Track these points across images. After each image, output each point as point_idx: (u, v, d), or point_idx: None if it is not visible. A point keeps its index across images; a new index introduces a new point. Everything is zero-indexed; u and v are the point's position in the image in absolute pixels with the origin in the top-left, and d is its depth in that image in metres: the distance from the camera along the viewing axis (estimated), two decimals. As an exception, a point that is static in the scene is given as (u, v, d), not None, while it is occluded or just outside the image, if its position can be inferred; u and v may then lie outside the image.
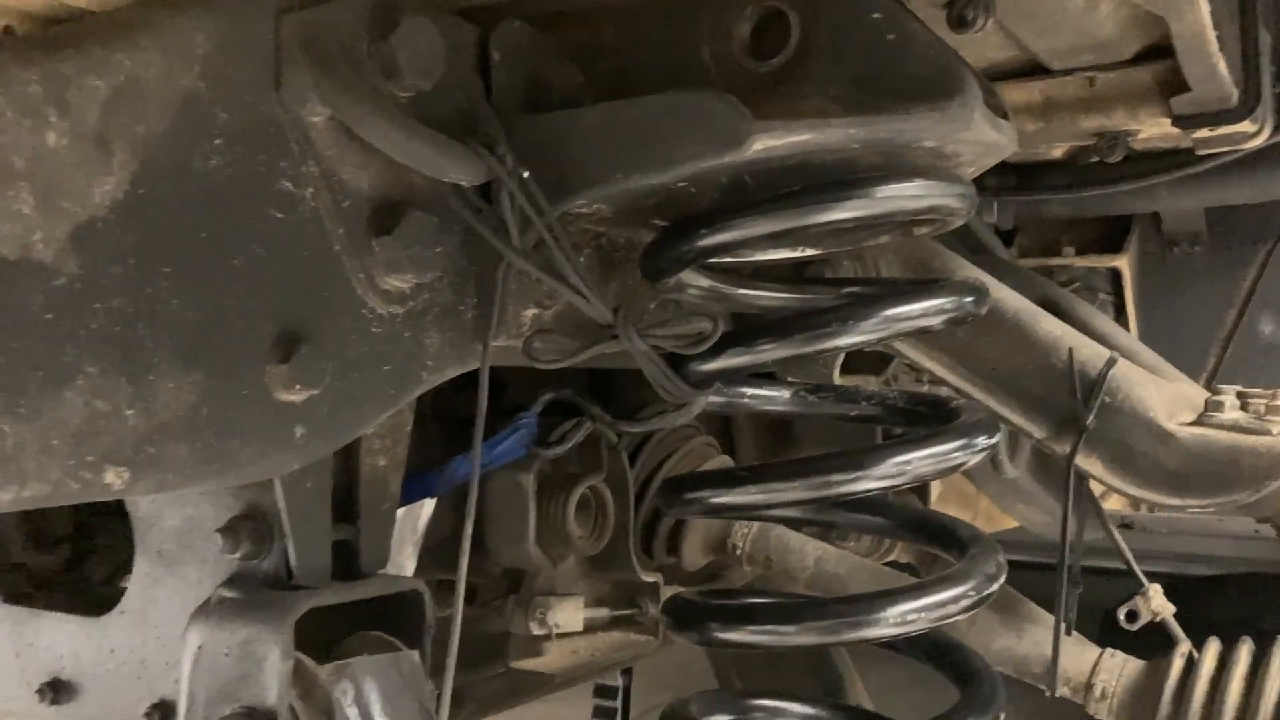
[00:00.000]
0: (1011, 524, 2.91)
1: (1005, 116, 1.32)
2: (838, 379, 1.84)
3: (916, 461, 1.23)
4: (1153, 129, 2.12)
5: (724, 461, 1.86)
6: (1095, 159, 2.45)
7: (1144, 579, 1.75)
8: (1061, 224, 2.93)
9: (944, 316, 1.28)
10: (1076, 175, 2.63)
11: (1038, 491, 2.45)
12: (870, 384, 2.02)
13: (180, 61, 1.05)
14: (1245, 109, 1.95)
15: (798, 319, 1.29)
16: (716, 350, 1.27)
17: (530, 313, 1.35)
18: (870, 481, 1.23)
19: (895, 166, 1.26)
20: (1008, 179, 2.69)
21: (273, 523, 1.30)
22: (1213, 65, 1.77)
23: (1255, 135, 2.11)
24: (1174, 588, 1.89)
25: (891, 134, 1.20)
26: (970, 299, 1.29)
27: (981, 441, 1.27)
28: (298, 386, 1.08)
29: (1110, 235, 2.96)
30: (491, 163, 1.16)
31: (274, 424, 1.10)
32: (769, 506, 1.26)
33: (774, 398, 1.51)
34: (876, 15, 1.26)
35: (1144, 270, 2.92)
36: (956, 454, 1.24)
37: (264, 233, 1.10)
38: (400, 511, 1.51)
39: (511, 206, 1.18)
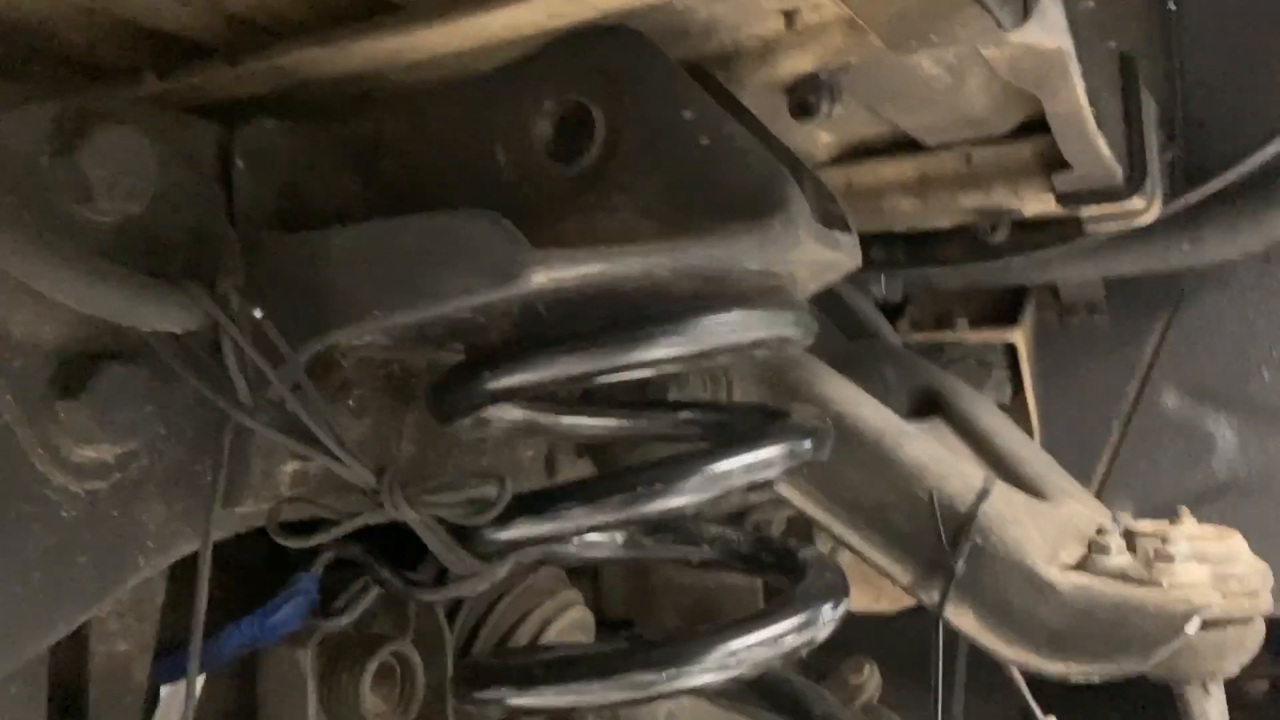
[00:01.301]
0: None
1: (846, 227, 1.14)
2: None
3: (742, 653, 1.02)
4: (1038, 205, 1.96)
5: (571, 600, 1.64)
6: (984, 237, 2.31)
7: (1039, 713, 1.57)
8: (954, 295, 2.77)
9: (777, 469, 1.08)
10: (966, 246, 2.46)
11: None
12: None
13: None
14: (1131, 186, 1.81)
15: (602, 484, 1.09)
16: (507, 517, 1.06)
17: (289, 469, 1.12)
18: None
19: (717, 293, 1.07)
20: (896, 251, 2.53)
21: (-32, 738, 1.06)
22: (1091, 143, 1.61)
23: (1144, 212, 1.97)
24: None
25: (703, 261, 1.00)
26: (807, 445, 1.09)
27: (825, 614, 1.07)
28: (-64, 608, 0.85)
29: (1006, 306, 2.81)
30: (209, 306, 0.94)
31: (-94, 656, 0.86)
32: (583, 704, 1.04)
33: (602, 545, 1.30)
34: (688, 115, 1.06)
35: (1042, 341, 2.78)
36: (792, 636, 1.04)
37: (-103, 408, 0.86)
38: (164, 691, 1.27)
39: (237, 356, 0.96)
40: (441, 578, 1.28)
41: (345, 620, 1.23)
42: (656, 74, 1.08)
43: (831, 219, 1.11)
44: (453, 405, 1.08)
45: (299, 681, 1.23)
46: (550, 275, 0.96)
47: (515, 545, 1.09)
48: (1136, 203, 1.91)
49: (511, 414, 1.24)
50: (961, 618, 1.31)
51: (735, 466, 1.07)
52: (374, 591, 1.26)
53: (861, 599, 2.46)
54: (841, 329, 2.42)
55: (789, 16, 1.19)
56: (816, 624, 1.06)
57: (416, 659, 1.37)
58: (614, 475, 1.11)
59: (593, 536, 1.29)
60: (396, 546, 1.35)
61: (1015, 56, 1.45)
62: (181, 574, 1.23)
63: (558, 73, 1.13)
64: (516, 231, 0.95)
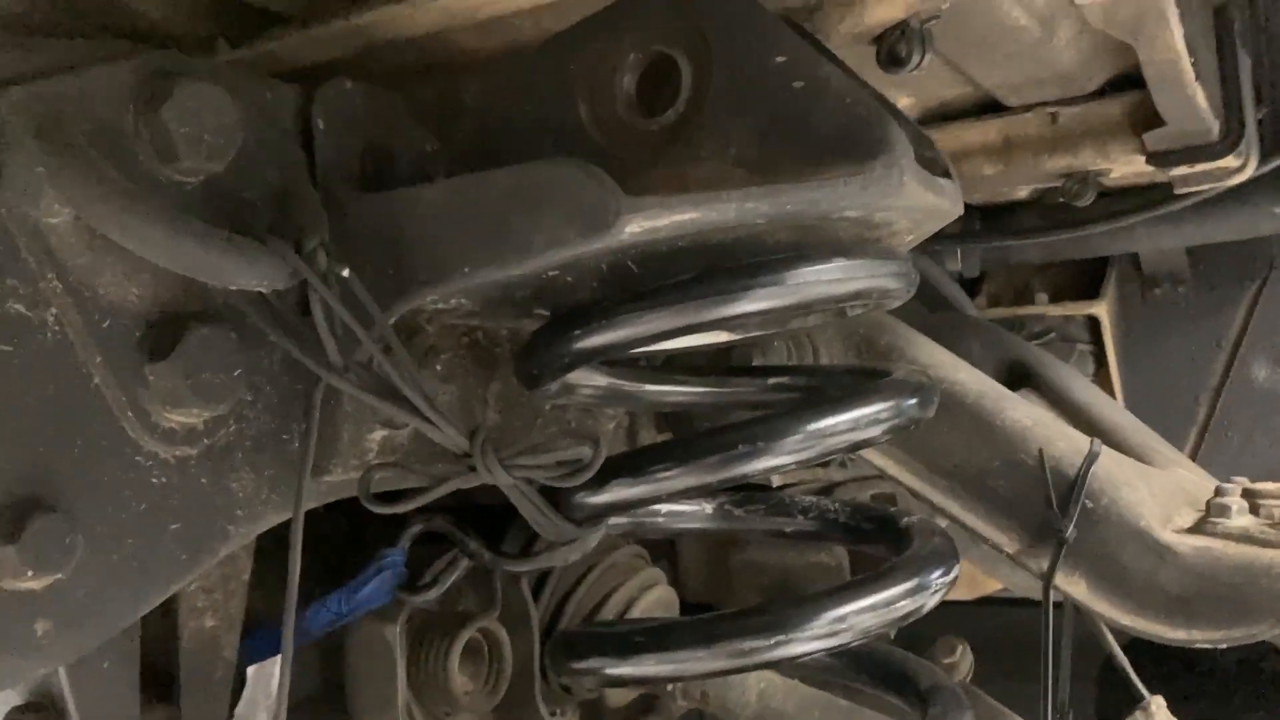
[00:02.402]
0: (995, 586, 2.66)
1: (946, 174, 1.08)
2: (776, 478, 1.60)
3: (851, 618, 0.97)
4: (1126, 167, 1.89)
5: (654, 578, 1.60)
6: (1063, 201, 2.23)
7: (1144, 691, 1.50)
8: (1033, 269, 2.70)
9: (881, 427, 1.03)
10: (1046, 216, 2.40)
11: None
12: (816, 472, 1.77)
13: None
14: (1227, 143, 1.73)
15: (699, 442, 1.04)
16: (602, 479, 1.02)
17: (377, 436, 1.09)
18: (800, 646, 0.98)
19: (813, 243, 1.02)
20: (972, 223, 2.46)
21: (63, 715, 1.04)
22: (1189, 96, 1.54)
23: (1239, 170, 1.89)
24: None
25: (801, 206, 0.96)
26: (913, 401, 1.04)
27: (935, 580, 1.02)
28: (30, 572, 0.82)
29: (1086, 278, 2.73)
30: (297, 263, 0.91)
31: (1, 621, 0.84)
32: (684, 675, 1.01)
33: (692, 514, 1.26)
34: (780, 59, 1.02)
35: (1124, 315, 2.69)
36: (903, 602, 0.99)
37: (-16, 371, 0.85)
38: (251, 671, 1.25)
39: (326, 315, 0.93)
40: (529, 550, 1.25)
41: (433, 594, 1.21)
42: (742, 18, 1.04)
43: (932, 164, 1.06)
44: (541, 367, 1.05)
45: (387, 658, 1.21)
46: (643, 223, 0.92)
47: (610, 509, 1.05)
48: (1231, 161, 1.83)
49: (597, 380, 1.21)
50: (1073, 585, 1.25)
51: (839, 423, 1.02)
52: (462, 565, 1.23)
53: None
54: (922, 306, 2.36)
55: (878, -41, 1.15)
56: (928, 589, 1.01)
57: (504, 636, 1.34)
58: (711, 434, 1.06)
59: (682, 506, 1.25)
60: (483, 521, 1.32)
61: (1110, 2, 1.39)
62: (265, 549, 1.22)
63: (639, 23, 1.09)
64: (608, 178, 0.92)
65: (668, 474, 1.02)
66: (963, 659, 1.76)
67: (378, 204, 1.02)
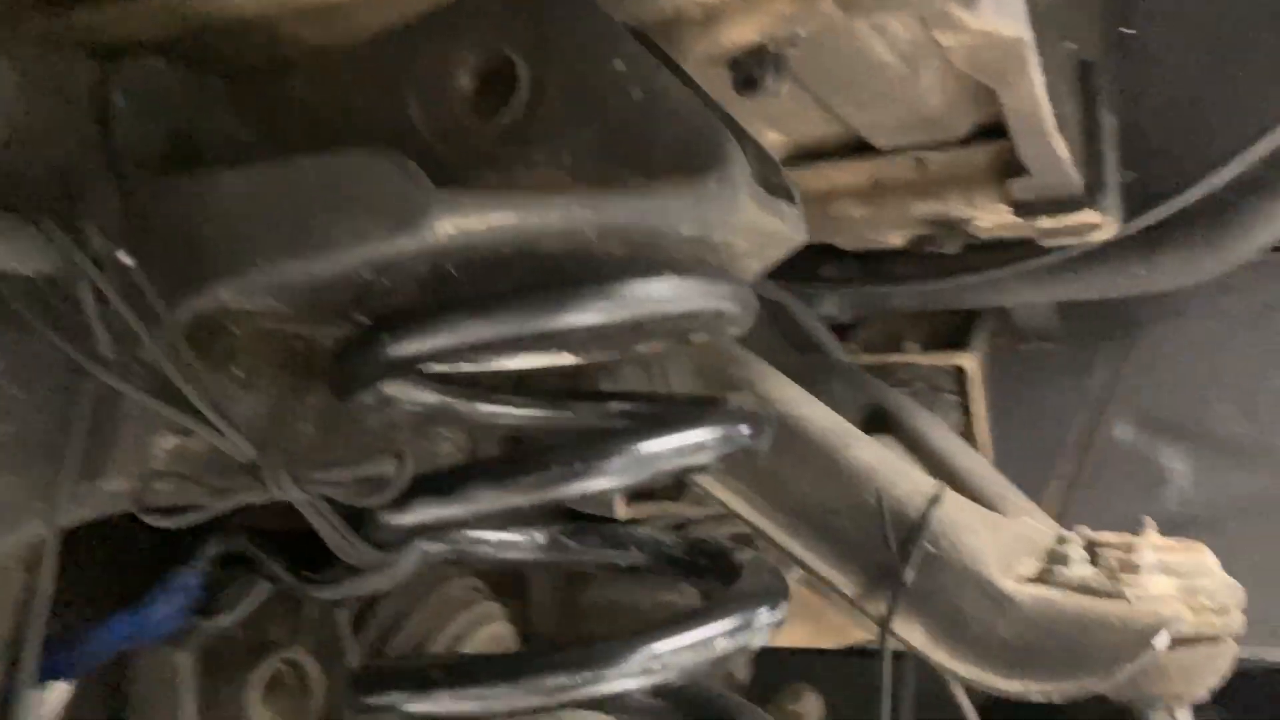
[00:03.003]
0: (862, 637, 2.64)
1: (790, 198, 1.05)
2: (622, 510, 1.54)
3: (667, 656, 0.91)
4: (993, 217, 1.89)
5: (490, 613, 1.52)
6: (938, 249, 2.24)
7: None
8: (906, 318, 2.70)
9: (710, 454, 0.98)
10: (919, 265, 2.40)
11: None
12: (667, 508, 1.72)
13: None
14: (1088, 196, 1.74)
15: (516, 462, 0.98)
16: (407, 499, 0.94)
17: (168, 444, 1.00)
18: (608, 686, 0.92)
19: (647, 260, 0.97)
20: (849, 268, 2.46)
21: None
22: (1050, 145, 1.54)
23: (1101, 228, 1.90)
24: None
25: (630, 218, 0.91)
26: (744, 429, 0.99)
27: (760, 617, 0.96)
28: None
29: (958, 330, 2.74)
30: (60, 241, 0.83)
31: None
32: (487, 714, 0.93)
33: (521, 545, 1.19)
34: (619, 65, 0.97)
35: (994, 368, 2.71)
36: (724, 640, 0.93)
37: None
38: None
39: (98, 302, 0.85)
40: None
41: (226, 620, 1.11)
42: (585, 23, 0.99)
43: (774, 187, 1.02)
44: (351, 376, 0.98)
45: (173, 688, 1.11)
46: (458, 223, 0.86)
47: (417, 531, 0.98)
48: (1093, 216, 1.84)
49: (422, 396, 1.13)
50: (910, 632, 1.21)
51: (665, 449, 0.97)
52: (260, 588, 1.14)
53: (800, 632, 2.35)
54: (789, 347, 2.34)
55: (734, -22, 1.11)
56: (751, 627, 0.96)
57: (314, 668, 1.25)
58: (530, 454, 1.00)
59: (512, 535, 1.18)
60: (303, 549, 1.23)
61: (973, 45, 1.37)
62: (69, 562, 1.12)
63: (480, 23, 1.04)
64: (420, 172, 0.86)
65: (480, 494, 0.95)
66: (811, 708, 1.71)
67: (175, 188, 0.94)
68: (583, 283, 0.92)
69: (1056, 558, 1.21)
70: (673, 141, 0.94)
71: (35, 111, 0.90)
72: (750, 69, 1.19)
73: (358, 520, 0.98)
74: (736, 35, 1.16)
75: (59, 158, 0.93)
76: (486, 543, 1.18)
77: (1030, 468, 2.67)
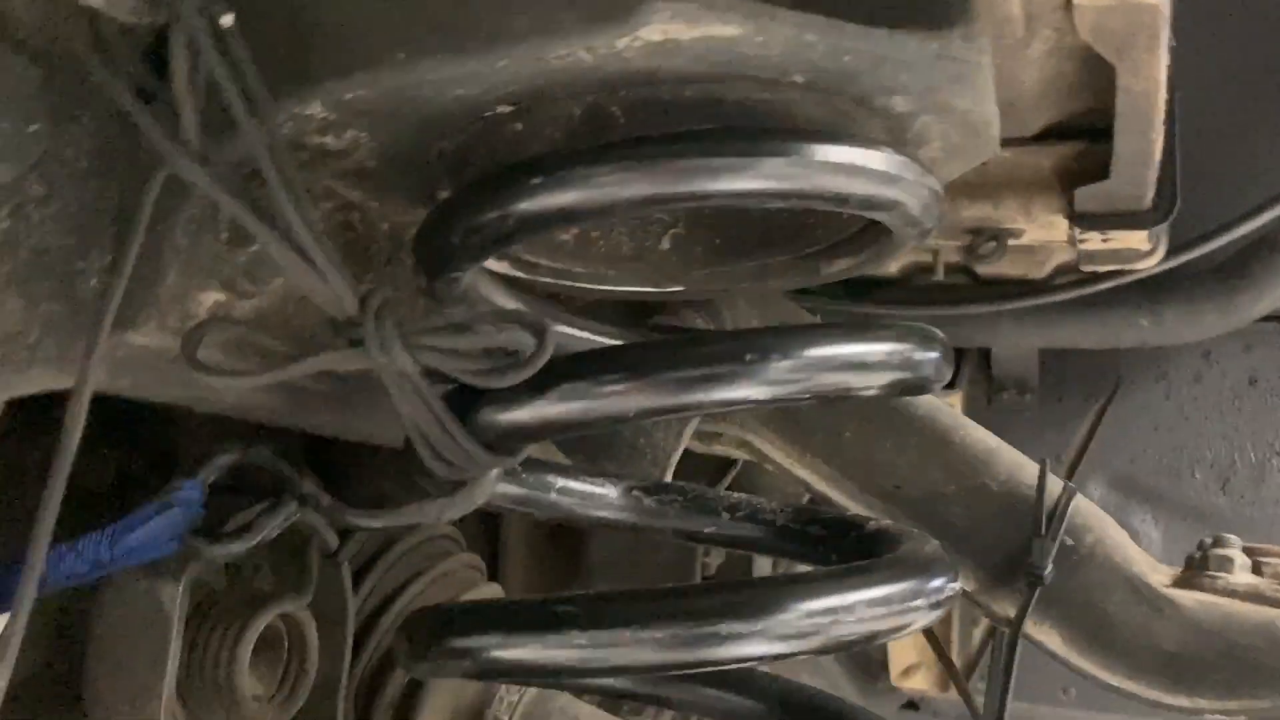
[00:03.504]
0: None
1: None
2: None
3: (844, 617, 0.72)
4: (1041, 232, 1.78)
5: (492, 591, 1.30)
6: (934, 280, 2.14)
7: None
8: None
9: (893, 376, 0.79)
10: (909, 294, 2.28)
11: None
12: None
13: None
14: (1159, 213, 1.63)
15: (669, 351, 0.77)
16: (536, 387, 0.73)
17: (210, 298, 0.78)
18: (765, 644, 0.71)
19: (844, 129, 0.79)
20: (833, 289, 2.32)
21: None
22: (1150, 141, 1.43)
23: (1148, 255, 1.80)
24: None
25: (860, 59, 0.73)
26: (933, 355, 0.81)
27: (942, 587, 0.78)
28: None
29: (936, 372, 2.63)
30: (159, -24, 0.61)
31: None
32: (595, 671, 0.72)
33: (595, 498, 0.98)
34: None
35: (970, 415, 2.59)
36: (903, 609, 0.74)
37: None
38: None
39: (190, 76, 0.63)
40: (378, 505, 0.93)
41: (239, 546, 0.86)
42: None
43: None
44: (467, 232, 0.76)
45: (161, 628, 0.85)
46: (670, 25, 0.67)
47: (536, 432, 0.76)
48: (1145, 243, 1.74)
49: (499, 298, 0.94)
50: (1046, 634, 1.04)
51: (842, 355, 0.78)
52: (287, 509, 0.89)
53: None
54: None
55: None
56: (928, 596, 0.77)
57: (311, 629, 1.00)
58: (684, 341, 0.80)
59: (585, 484, 0.98)
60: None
61: (1105, 7, 1.26)
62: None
63: None
64: (632, -45, 0.66)
65: (621, 390, 0.74)
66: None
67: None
68: (788, 136, 0.73)
69: (1215, 563, 1.06)
70: (908, -14, 0.77)
71: None
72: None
73: (461, 407, 0.76)
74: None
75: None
76: (556, 490, 0.97)
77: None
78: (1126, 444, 2.60)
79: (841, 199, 0.76)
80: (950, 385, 2.50)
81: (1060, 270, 2.07)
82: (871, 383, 0.80)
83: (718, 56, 0.71)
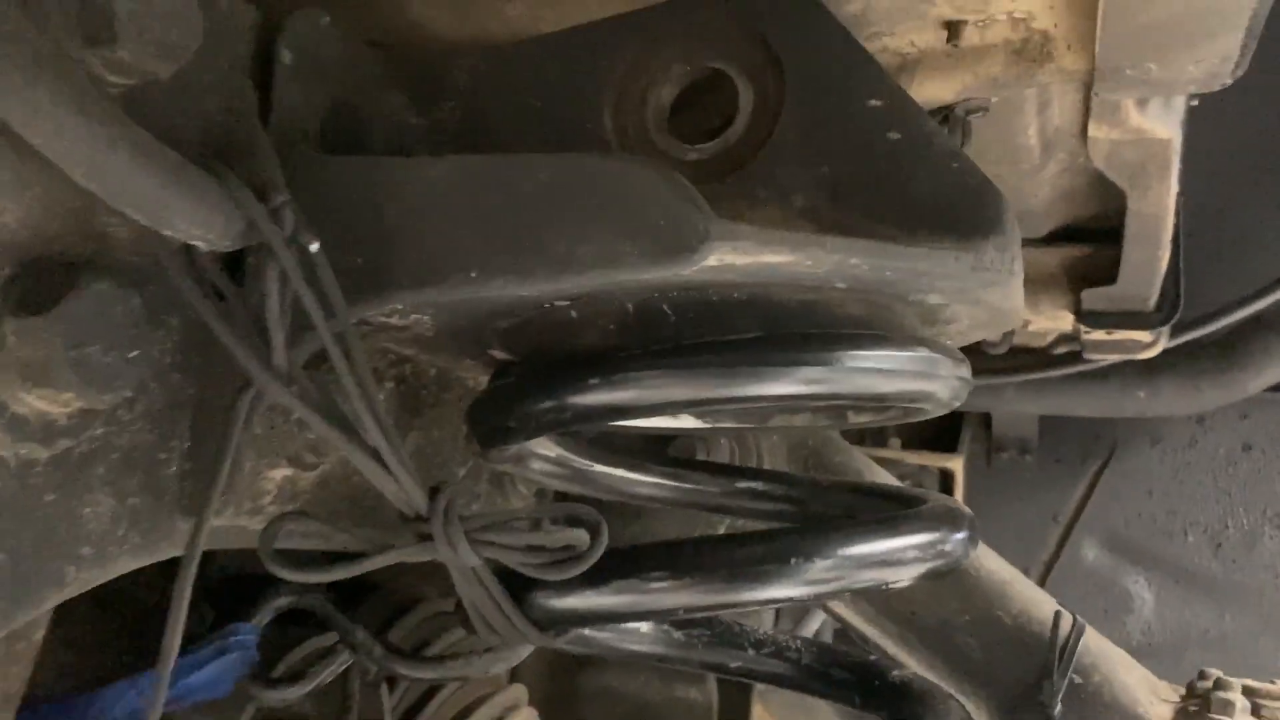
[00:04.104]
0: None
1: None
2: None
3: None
4: (1045, 322, 1.83)
5: (518, 698, 1.33)
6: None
7: None
8: (892, 412, 2.62)
9: (921, 567, 0.83)
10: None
11: None
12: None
13: None
14: (1163, 315, 1.68)
15: (717, 552, 0.81)
16: (589, 580, 0.78)
17: (279, 475, 0.82)
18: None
19: (881, 324, 0.84)
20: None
21: None
22: (1158, 255, 1.48)
23: (1150, 345, 1.86)
24: None
25: (901, 274, 0.78)
26: (960, 536, 0.86)
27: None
28: None
29: (936, 430, 2.69)
30: (260, 216, 0.65)
31: None
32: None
33: (629, 631, 1.03)
34: (875, 102, 0.85)
35: (969, 474, 2.65)
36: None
37: None
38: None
39: (281, 297, 0.67)
40: (420, 650, 0.98)
41: (294, 694, 0.91)
42: (836, 50, 0.87)
43: (1011, 261, 0.90)
44: (524, 418, 0.81)
45: (219, 772, 0.90)
46: (728, 257, 0.71)
47: (580, 619, 0.81)
48: (1148, 335, 1.80)
49: (549, 450, 0.98)
50: (1051, 771, 1.09)
51: (874, 553, 0.83)
52: (339, 656, 0.94)
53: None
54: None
55: (952, 29, 1.01)
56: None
57: (355, 754, 1.05)
58: (722, 542, 0.84)
59: (630, 625, 1.02)
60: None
61: (1121, 141, 1.30)
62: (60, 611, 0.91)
63: (694, 29, 0.91)
64: (694, 190, 0.71)
65: (669, 584, 0.79)
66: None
67: (353, 171, 0.77)
68: (833, 343, 0.78)
69: (1217, 705, 1.10)
70: (937, 195, 0.82)
71: (203, 51, 0.72)
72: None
73: (516, 592, 0.81)
74: (931, 90, 1.05)
75: (217, 112, 0.75)
76: (613, 637, 1.01)
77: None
78: (1121, 507, 2.66)
79: (879, 399, 0.81)
80: (945, 447, 2.56)
81: (1061, 339, 2.13)
82: (905, 576, 0.85)
83: (768, 276, 0.75)
